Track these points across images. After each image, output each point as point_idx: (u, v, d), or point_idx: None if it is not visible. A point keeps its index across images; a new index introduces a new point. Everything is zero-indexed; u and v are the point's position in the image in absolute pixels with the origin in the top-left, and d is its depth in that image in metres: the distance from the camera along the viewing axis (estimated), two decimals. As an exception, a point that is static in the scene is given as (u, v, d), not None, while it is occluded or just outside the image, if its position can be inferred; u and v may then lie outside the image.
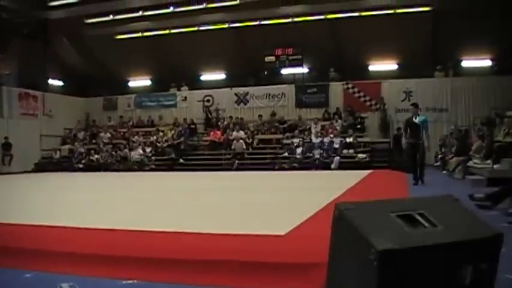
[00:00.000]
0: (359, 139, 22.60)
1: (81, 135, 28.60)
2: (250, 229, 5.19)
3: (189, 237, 5.00)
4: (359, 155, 21.48)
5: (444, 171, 17.47)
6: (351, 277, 2.66)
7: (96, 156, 25.33)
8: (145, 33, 29.87)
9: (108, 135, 27.74)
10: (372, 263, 2.44)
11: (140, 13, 26.79)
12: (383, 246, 2.42)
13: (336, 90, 25.54)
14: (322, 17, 26.04)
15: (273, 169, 21.61)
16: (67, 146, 27.36)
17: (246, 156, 23.43)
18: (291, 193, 10.79)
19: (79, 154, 25.94)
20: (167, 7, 26.01)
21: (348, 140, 22.34)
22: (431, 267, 2.56)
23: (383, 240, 2.45)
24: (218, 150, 24.60)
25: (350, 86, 25.14)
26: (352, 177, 13.63)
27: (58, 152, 26.72)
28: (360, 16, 25.09)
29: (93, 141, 27.60)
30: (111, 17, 27.22)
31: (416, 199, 3.19)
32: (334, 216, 2.81)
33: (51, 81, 31.67)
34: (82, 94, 31.05)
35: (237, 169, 22.31)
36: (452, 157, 16.48)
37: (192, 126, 26.59)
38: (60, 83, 33.24)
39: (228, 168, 22.57)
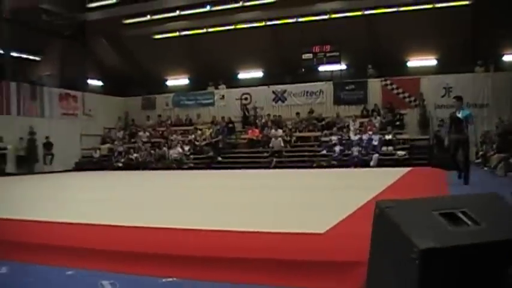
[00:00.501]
0: (398, 136, 22.32)
1: (120, 134, 28.89)
2: (289, 227, 5.16)
3: (229, 236, 4.99)
4: (398, 152, 21.22)
5: (485, 168, 17.16)
6: (392, 276, 2.62)
7: (135, 155, 25.58)
8: (183, 33, 30.07)
9: (147, 134, 27.98)
10: (414, 262, 2.40)
11: (177, 12, 26.96)
12: (425, 245, 2.38)
13: (374, 86, 25.28)
14: (359, 13, 25.86)
15: (311, 167, 21.52)
16: (107, 145, 27.69)
17: (284, 154, 23.37)
18: (330, 191, 10.72)
19: (118, 153, 26.22)
20: (204, 6, 26.11)
21: (387, 137, 22.08)
22: (474, 266, 2.50)
23: (425, 239, 2.40)
24: (256, 148, 24.60)
25: (388, 82, 24.85)
26: (392, 174, 13.48)
27: (98, 151, 27.05)
28: (398, 11, 24.82)
29: (132, 140, 27.87)
30: (148, 17, 27.47)
31: (458, 197, 3.12)
32: (374, 215, 2.77)
33: (90, 82, 32.13)
34: (121, 94, 31.38)
35: (275, 167, 22.27)
36: (494, 154, 16.18)
37: (230, 125, 26.63)
38: (100, 83, 33.72)
39: (266, 166, 22.54)
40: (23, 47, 27.76)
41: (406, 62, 27.38)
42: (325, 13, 26.28)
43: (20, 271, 4.35)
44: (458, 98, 12.55)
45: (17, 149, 23.79)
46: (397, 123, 23.50)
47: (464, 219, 2.64)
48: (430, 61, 26.81)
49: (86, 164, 26.25)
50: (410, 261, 2.41)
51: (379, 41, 26.27)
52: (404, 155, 21.10)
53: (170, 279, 3.96)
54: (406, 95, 24.42)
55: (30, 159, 24.20)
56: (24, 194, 12.09)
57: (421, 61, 26.92)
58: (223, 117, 27.15)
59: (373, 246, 2.82)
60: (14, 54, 26.90)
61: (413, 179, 13.19)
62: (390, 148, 21.64)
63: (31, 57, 30.10)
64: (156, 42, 30.60)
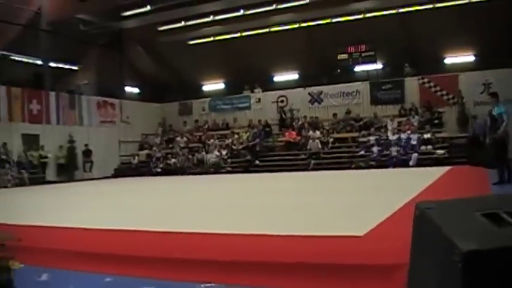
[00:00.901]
0: (437, 134, 21.96)
1: (157, 140, 29.11)
2: (327, 230, 5.10)
3: (266, 239, 4.96)
4: (437, 151, 20.89)
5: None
6: (434, 279, 2.54)
7: (173, 160, 25.72)
8: (217, 37, 30.21)
9: (184, 139, 28.13)
10: (456, 265, 2.31)
11: (211, 18, 27.07)
12: (468, 247, 2.29)
13: (412, 85, 24.92)
14: (394, 11, 25.62)
15: (350, 168, 21.35)
16: (145, 151, 27.92)
17: (322, 155, 23.22)
18: (368, 192, 10.59)
19: (157, 159, 26.41)
20: (237, 10, 26.14)
21: (426, 136, 21.75)
22: (521, 268, 2.41)
23: (468, 241, 2.32)
24: (293, 150, 24.51)
25: (426, 80, 24.48)
26: (431, 174, 13.28)
27: (136, 157, 27.29)
28: (433, 8, 24.49)
29: (170, 145, 28.04)
30: (183, 23, 27.65)
31: (502, 196, 3.01)
32: (415, 216, 2.70)
33: (127, 89, 32.51)
34: (158, 100, 31.64)
35: (313, 169, 22.15)
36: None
37: (267, 129, 26.58)
38: (136, 90, 34.09)
39: (304, 168, 22.44)
40: (61, 57, 28.27)
41: (443, 59, 26.97)
42: (359, 12, 26.12)
43: (60, 278, 4.39)
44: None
45: (57, 157, 24.20)
46: (436, 121, 23.14)
47: (509, 219, 2.54)
48: (468, 57, 26.33)
49: (125, 170, 26.51)
50: (452, 264, 2.33)
51: (415, 39, 25.93)
52: (444, 153, 20.77)
53: (209, 284, 3.93)
54: (444, 92, 24.03)
55: (70, 167, 24.58)
56: (65, 201, 12.24)
57: (459, 57, 26.44)
58: (259, 121, 27.10)
59: (414, 249, 2.75)
60: (53, 64, 27.38)
61: (453, 179, 12.98)
62: (429, 147, 21.31)
63: (69, 66, 30.62)
64: (191, 47, 30.80)
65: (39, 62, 26.78)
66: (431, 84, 24.22)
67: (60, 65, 29.38)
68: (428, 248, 2.60)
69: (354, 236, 4.68)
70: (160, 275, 4.22)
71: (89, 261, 4.74)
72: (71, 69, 31.00)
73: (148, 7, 25.19)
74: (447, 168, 17.00)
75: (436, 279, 2.51)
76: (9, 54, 27.10)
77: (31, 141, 23.29)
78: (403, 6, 25.25)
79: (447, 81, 23.98)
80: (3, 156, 21.15)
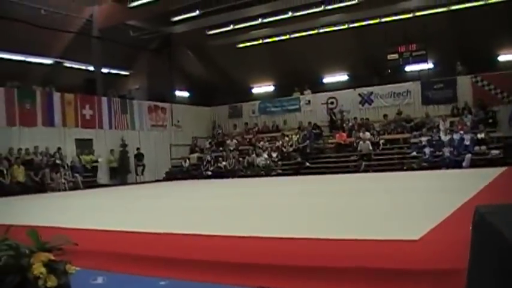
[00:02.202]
0: (491, 134, 21.45)
1: (207, 143, 29.32)
2: (381, 234, 5.02)
3: (317, 243, 4.91)
4: (492, 152, 20.39)
5: None
6: (495, 286, 2.45)
7: (223, 163, 25.84)
8: (266, 40, 30.29)
9: (235, 142, 28.25)
10: (519, 272, 2.23)
11: (260, 20, 27.15)
12: (533, 254, 2.20)
13: (464, 84, 24.40)
14: (444, 8, 25.26)
15: (401, 169, 21.07)
16: (196, 154, 28.14)
17: (373, 157, 22.99)
18: (422, 194, 10.42)
19: (207, 162, 26.58)
20: (286, 12, 26.12)
21: (480, 136, 21.26)
22: None
23: (533, 247, 2.23)
24: (344, 152, 24.35)
25: (479, 78, 23.94)
26: (486, 175, 12.98)
27: (187, 160, 27.52)
28: (485, 4, 24.00)
29: (220, 148, 28.19)
30: (231, 26, 27.82)
31: None
32: (474, 220, 2.61)
33: (178, 93, 32.91)
34: (208, 103, 31.88)
35: (364, 171, 21.96)
36: None
37: (317, 131, 26.46)
38: (187, 94, 34.49)
39: (355, 170, 22.27)
40: (113, 63, 28.80)
41: (497, 56, 26.40)
42: (409, 11, 25.79)
43: (115, 281, 4.43)
44: None
45: (109, 161, 24.65)
46: (490, 120, 22.60)
47: None
48: (524, 54, 25.72)
49: (176, 174, 26.78)
50: (515, 271, 2.24)
51: (467, 36, 25.42)
52: (499, 154, 20.26)
53: (261, 288, 3.91)
54: (498, 91, 23.44)
55: (122, 171, 24.99)
56: (120, 205, 12.43)
57: (514, 54, 25.85)
58: (309, 123, 27.02)
59: (473, 254, 2.67)
60: (104, 70, 27.90)
61: (510, 180, 12.64)
62: (483, 147, 20.82)
63: (120, 72, 31.15)
64: (240, 50, 30.97)
65: (91, 68, 27.33)
66: (485, 82, 23.66)
67: (112, 71, 29.95)
68: (488, 254, 2.51)
69: (409, 240, 4.60)
70: (215, 279, 4.22)
71: (144, 265, 4.78)
72: (122, 74, 31.58)
73: (197, 11, 25.36)
74: (503, 169, 16.58)
75: (497, 286, 2.43)
76: (63, 61, 27.75)
77: (84, 145, 23.82)
78: (453, 3, 24.82)
79: (501, 79, 23.38)
80: (57, 161, 21.62)
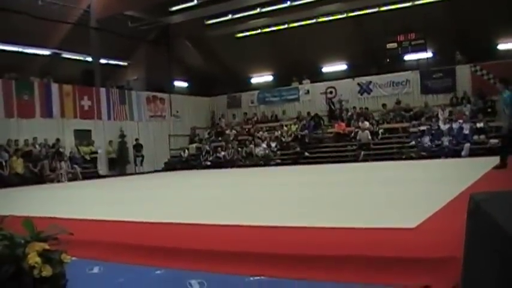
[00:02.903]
0: (490, 124, 21.42)
1: (206, 133, 29.34)
2: (378, 223, 5.03)
3: (315, 232, 4.92)
4: (491, 141, 20.32)
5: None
6: (490, 274, 2.44)
7: (222, 153, 25.84)
8: (264, 30, 30.24)
9: (234, 132, 28.24)
10: (514, 259, 2.22)
11: (258, 10, 27.12)
12: (527, 241, 2.20)
13: (463, 73, 24.36)
14: (444, -3, 25.17)
15: (400, 159, 21.06)
16: (194, 145, 28.14)
17: (372, 146, 22.99)
18: (420, 184, 10.41)
19: (206, 152, 26.58)
20: (284, 1, 26.10)
21: (479, 125, 21.25)
22: None
23: (526, 234, 2.22)
24: (343, 141, 24.34)
25: (478, 68, 23.88)
26: (485, 164, 12.93)
27: (186, 150, 27.52)
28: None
29: (219, 138, 28.18)
30: (229, 16, 27.79)
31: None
32: (469, 208, 2.60)
33: (176, 83, 32.84)
34: (206, 93, 31.85)
35: (363, 160, 21.97)
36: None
37: (317, 120, 26.45)
38: (185, 84, 34.43)
39: (354, 159, 22.29)
40: (111, 54, 28.70)
41: (496, 45, 26.30)
42: (408, 0, 25.69)
43: (111, 271, 4.43)
44: (501, 80, 12.10)
45: (108, 152, 24.66)
46: (489, 110, 22.56)
47: None
48: (523, 43, 25.62)
49: (175, 164, 26.81)
50: (510, 258, 2.23)
51: (466, 25, 25.30)
52: (498, 143, 20.19)
53: (258, 277, 3.91)
54: (498, 80, 23.38)
55: (121, 161, 25.01)
56: (119, 195, 12.44)
57: (514, 43, 25.76)
58: (308, 113, 27.02)
59: (468, 242, 2.66)
60: (103, 61, 27.84)
61: (509, 169, 12.62)
62: (482, 137, 20.80)
63: (118, 62, 31.11)
64: (238, 40, 30.95)
65: (89, 59, 27.26)
66: (484, 71, 23.61)
67: (110, 62, 29.89)
68: (483, 242, 2.51)
69: (405, 228, 4.60)
70: (209, 267, 4.22)
71: (139, 254, 4.79)
72: (120, 65, 31.55)
73: (195, 1, 25.36)
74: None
75: (493, 274, 2.42)
76: (61, 52, 27.70)
77: (83, 136, 23.85)
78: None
79: (500, 68, 23.21)
80: (61, 149, 21.78)
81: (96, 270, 4.42)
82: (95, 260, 4.66)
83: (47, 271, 3.22)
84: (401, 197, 8.08)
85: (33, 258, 3.22)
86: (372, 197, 8.38)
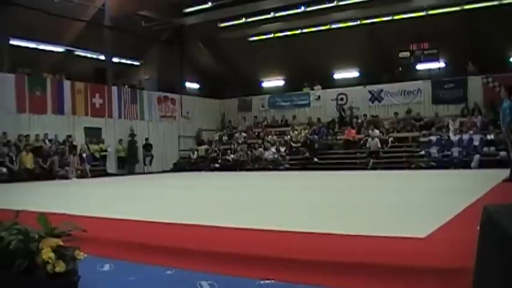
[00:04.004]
0: (500, 136, 21.33)
1: (217, 135, 29.40)
2: (388, 231, 5.03)
3: (326, 238, 4.94)
4: (501, 153, 20.28)
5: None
6: (501, 285, 2.46)
7: (231, 156, 25.87)
8: (278, 34, 30.29)
9: (243, 135, 28.26)
10: (527, 272, 2.24)
11: (272, 14, 27.19)
12: (540, 254, 2.21)
13: (475, 84, 24.32)
14: (458, 8, 25.17)
15: (409, 168, 21.03)
16: (204, 147, 28.20)
17: (381, 155, 22.96)
18: (430, 193, 10.40)
19: (216, 154, 26.62)
20: (298, 7, 26.12)
21: (489, 136, 21.18)
22: None
23: (539, 247, 2.24)
24: (353, 148, 24.31)
25: (490, 79, 23.83)
26: (495, 176, 12.92)
27: (195, 152, 27.57)
28: (500, 4, 23.88)
29: (229, 141, 28.22)
30: (243, 19, 27.81)
31: None
32: (482, 220, 2.62)
33: (188, 84, 32.91)
34: (217, 96, 31.93)
35: (372, 168, 21.94)
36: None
37: (330, 127, 26.44)
38: (197, 86, 34.52)
39: (363, 167, 22.25)
40: (124, 53, 28.83)
41: (509, 57, 26.26)
42: (422, 9, 25.71)
43: (122, 269, 4.45)
44: (506, 88, 12.41)
45: (118, 150, 24.75)
46: (499, 122, 22.46)
47: None
48: (536, 56, 25.56)
49: (184, 165, 26.89)
50: (522, 270, 2.25)
51: (479, 37, 25.28)
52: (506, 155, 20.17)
53: (268, 281, 3.92)
54: (503, 87, 23.29)
55: (130, 160, 25.09)
56: (128, 194, 12.49)
57: (526, 56, 25.72)
58: (319, 119, 27.05)
59: (480, 254, 2.67)
60: (115, 59, 27.95)
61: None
62: (492, 148, 20.74)
63: (131, 62, 31.22)
64: (251, 44, 30.99)
65: (102, 57, 27.36)
66: (496, 83, 23.51)
67: (123, 60, 30.03)
68: (496, 254, 2.52)
69: (416, 237, 4.61)
70: (219, 270, 4.24)
71: (151, 254, 4.81)
72: (132, 64, 31.68)
73: (210, 3, 25.41)
74: None
75: (504, 285, 2.43)
76: (74, 49, 27.84)
77: (93, 134, 23.93)
78: (467, 3, 24.71)
79: (512, 81, 23.26)
80: (74, 142, 22.16)
81: (107, 268, 4.44)
82: (106, 257, 4.69)
83: (61, 267, 3.25)
84: (411, 206, 8.06)
85: (47, 254, 3.25)
86: (382, 205, 8.37)
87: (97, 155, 23.47)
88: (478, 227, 2.68)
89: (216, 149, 26.98)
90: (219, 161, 26.08)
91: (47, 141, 21.53)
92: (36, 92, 21.86)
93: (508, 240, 2.38)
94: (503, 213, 2.51)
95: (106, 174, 23.09)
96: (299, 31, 29.64)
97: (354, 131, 25.00)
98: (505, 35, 24.28)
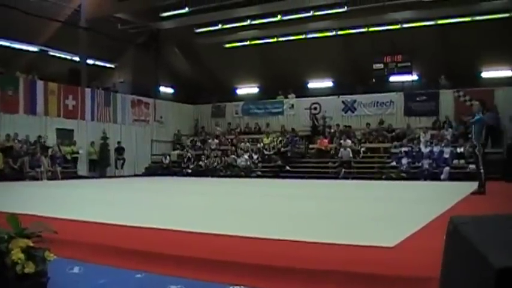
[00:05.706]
0: (470, 149, 21.60)
1: (188, 141, 29.35)
2: (357, 240, 5.08)
3: (296, 246, 4.96)
4: (470, 166, 20.53)
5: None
6: (466, 295, 2.51)
7: (204, 161, 25.84)
8: (253, 42, 30.32)
9: (216, 141, 28.24)
10: (489, 282, 2.29)
11: (248, 22, 27.20)
12: (502, 264, 2.26)
13: (447, 98, 24.65)
14: (432, 22, 25.46)
15: (380, 178, 21.18)
16: (176, 152, 28.14)
17: (353, 164, 23.10)
18: (399, 204, 10.52)
19: (188, 159, 26.57)
20: (275, 15, 26.19)
21: (459, 149, 21.46)
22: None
23: (502, 258, 2.28)
24: (325, 158, 24.42)
25: (461, 93, 24.17)
26: (464, 188, 13.12)
27: (168, 157, 27.48)
28: (473, 21, 24.23)
29: (201, 146, 28.18)
30: (219, 26, 27.80)
31: (538, 214, 2.97)
32: (448, 230, 2.68)
33: (162, 89, 32.83)
34: (191, 101, 31.90)
35: (344, 178, 22.08)
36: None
37: (300, 135, 26.54)
38: (171, 90, 34.45)
39: (335, 176, 22.38)
40: (98, 55, 28.63)
41: (481, 72, 26.64)
42: (397, 22, 25.95)
43: (91, 271, 4.44)
44: (479, 102, 12.85)
45: (89, 153, 24.56)
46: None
47: (545, 237, 2.51)
48: (506, 72, 25.94)
49: (156, 170, 26.77)
50: (485, 281, 2.30)
51: (452, 51, 25.69)
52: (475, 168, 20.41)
53: (238, 287, 3.94)
54: (477, 101, 23.59)
55: (102, 163, 24.92)
56: (99, 198, 12.40)
57: (496, 72, 26.11)
58: (293, 129, 27.14)
59: (445, 264, 2.72)
60: (90, 61, 27.74)
61: (486, 194, 12.78)
62: (462, 161, 21.00)
63: (106, 64, 31.01)
64: (227, 50, 30.99)
65: (77, 59, 27.16)
66: (467, 97, 23.83)
67: (97, 63, 29.81)
68: (460, 263, 2.57)
69: (384, 246, 4.67)
70: (189, 274, 4.25)
71: (121, 257, 4.80)
72: (107, 66, 31.43)
73: (187, 9, 25.36)
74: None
75: (468, 295, 2.49)
76: (48, 49, 27.57)
77: (65, 135, 23.74)
78: (441, 18, 25.03)
79: (482, 95, 23.50)
80: (47, 144, 21.96)
81: (76, 270, 4.43)
82: (75, 260, 4.67)
83: (30, 268, 3.24)
84: (381, 215, 8.13)
85: (17, 254, 3.24)
86: (351, 214, 8.44)
87: (68, 157, 23.29)
88: (444, 237, 2.74)
89: (189, 154, 26.90)
90: (192, 166, 26.02)
91: (16, 140, 21.28)
92: (8, 91, 21.64)
93: (471, 251, 2.44)
94: (469, 224, 2.57)
95: (77, 176, 22.89)
96: (275, 39, 29.71)
97: (326, 141, 25.12)
98: (477, 50, 24.68)
